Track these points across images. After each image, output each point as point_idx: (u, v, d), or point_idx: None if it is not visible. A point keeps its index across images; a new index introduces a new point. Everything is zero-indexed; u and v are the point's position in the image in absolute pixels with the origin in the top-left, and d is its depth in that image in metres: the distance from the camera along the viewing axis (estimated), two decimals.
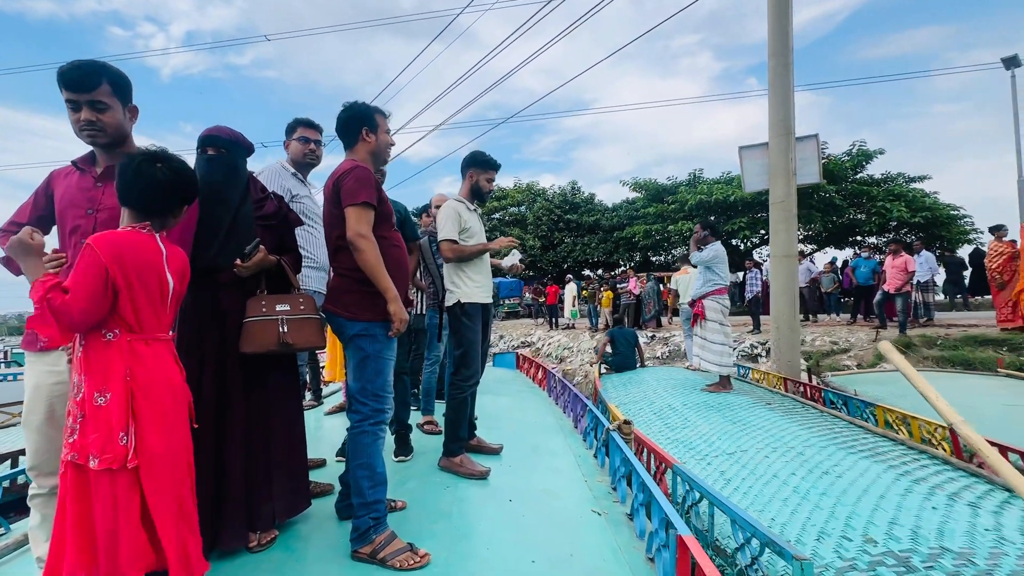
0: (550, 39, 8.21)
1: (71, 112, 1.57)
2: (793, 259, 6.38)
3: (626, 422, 2.86)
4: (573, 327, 15.17)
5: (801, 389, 4.68)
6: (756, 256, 19.89)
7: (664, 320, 12.97)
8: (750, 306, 11.04)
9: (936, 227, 16.49)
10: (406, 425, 2.89)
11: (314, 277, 2.50)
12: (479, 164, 2.79)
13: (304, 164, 2.60)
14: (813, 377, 6.41)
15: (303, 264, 2.20)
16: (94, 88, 1.55)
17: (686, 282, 7.80)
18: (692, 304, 4.88)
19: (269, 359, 1.82)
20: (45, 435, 1.57)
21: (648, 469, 2.65)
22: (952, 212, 16.92)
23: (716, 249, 4.70)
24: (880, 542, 1.90)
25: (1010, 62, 15.53)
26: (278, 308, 1.77)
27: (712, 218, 18.33)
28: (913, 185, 18.07)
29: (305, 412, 2.80)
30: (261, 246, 1.78)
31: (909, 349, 7.98)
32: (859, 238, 19.22)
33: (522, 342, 15.50)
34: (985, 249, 9.71)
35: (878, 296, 8.99)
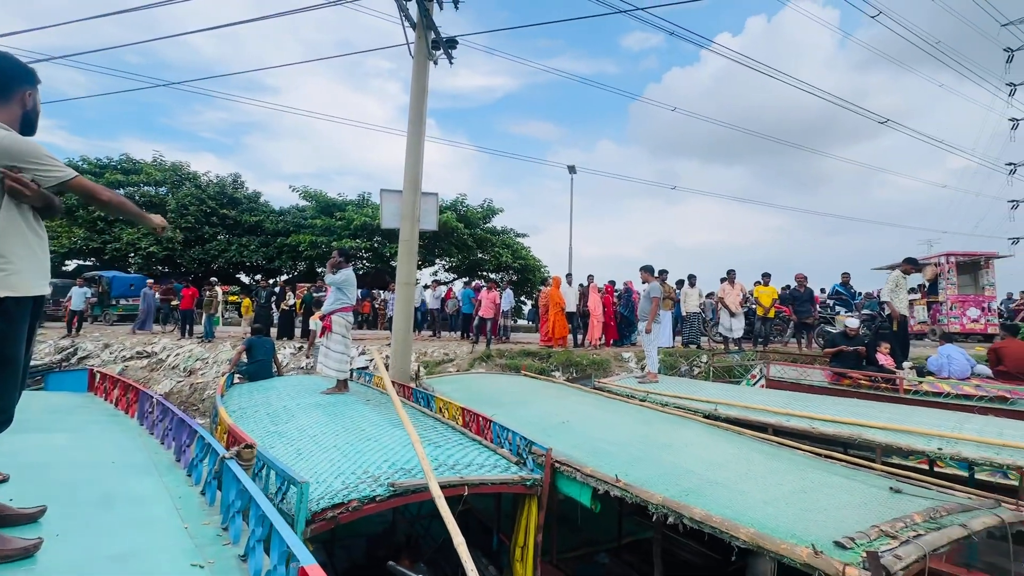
0: None
1: None
2: (411, 286, 8.08)
3: (247, 447, 2.59)
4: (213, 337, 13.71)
5: (402, 389, 6.09)
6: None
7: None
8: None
9: (528, 271, 22.95)
10: None
11: None
12: None
13: None
14: (416, 381, 8.18)
15: None
16: None
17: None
18: (322, 318, 5.66)
19: None
20: None
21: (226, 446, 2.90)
22: (536, 263, 23.91)
23: (347, 274, 5.64)
24: (383, 472, 3.03)
25: (571, 168, 23.37)
26: None
27: (352, 245, 19.94)
28: (519, 239, 24.68)
29: None
30: None
31: (488, 359, 11.10)
32: (483, 272, 24.73)
33: (138, 352, 12.94)
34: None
35: (477, 320, 12.11)
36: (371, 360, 11.40)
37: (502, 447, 3.66)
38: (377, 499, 2.62)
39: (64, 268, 22.26)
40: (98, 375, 5.45)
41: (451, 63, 9.02)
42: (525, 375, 8.42)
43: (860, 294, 12.14)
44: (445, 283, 23.03)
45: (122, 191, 22.33)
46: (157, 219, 2.24)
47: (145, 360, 12.80)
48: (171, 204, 21.77)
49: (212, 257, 22.22)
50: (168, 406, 3.49)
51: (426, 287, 15.56)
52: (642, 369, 8.30)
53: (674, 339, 11.61)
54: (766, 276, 11.00)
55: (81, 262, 22.61)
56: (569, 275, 12.57)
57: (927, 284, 13.65)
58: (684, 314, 11.19)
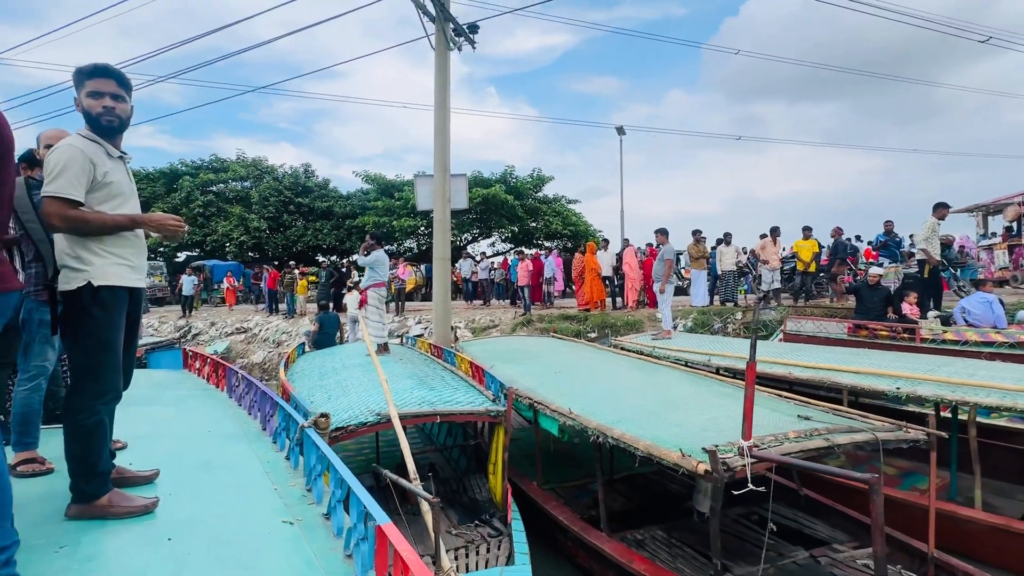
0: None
1: None
2: (447, 261, 8.99)
3: (323, 415, 2.80)
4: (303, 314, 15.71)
5: (432, 349, 7.09)
6: (470, 250, 24.09)
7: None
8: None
9: (578, 238, 23.25)
10: None
11: None
12: (76, 77, 2.01)
13: None
14: (454, 343, 9.21)
15: None
16: None
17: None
18: (361, 293, 6.74)
19: None
20: None
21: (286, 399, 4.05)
22: (588, 228, 24.07)
23: (378, 255, 6.63)
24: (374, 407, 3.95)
25: (620, 130, 23.00)
26: None
27: (411, 223, 21.30)
28: (570, 205, 24.92)
29: None
30: None
31: (528, 324, 11.93)
32: (538, 241, 25.34)
33: (237, 328, 15.20)
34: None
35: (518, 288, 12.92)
36: (426, 327, 12.66)
37: (488, 390, 4.48)
38: (368, 423, 3.54)
39: (176, 260, 25.82)
40: (191, 353, 6.11)
41: (473, 48, 9.57)
42: (553, 336, 9.15)
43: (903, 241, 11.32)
44: (500, 254, 23.99)
45: (214, 188, 25.31)
46: (162, 219, 2.12)
47: (243, 335, 15.05)
48: (255, 196, 24.38)
49: (292, 242, 24.71)
50: (252, 380, 3.85)
51: (474, 259, 16.52)
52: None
53: (712, 298, 11.71)
54: (807, 230, 10.73)
55: (189, 253, 26.08)
56: (606, 240, 12.94)
57: (1011, 226, 12.45)
58: (720, 272, 11.24)
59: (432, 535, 2.47)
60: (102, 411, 2.01)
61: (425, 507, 2.91)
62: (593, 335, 10.79)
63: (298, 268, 16.41)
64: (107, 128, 2.03)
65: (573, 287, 13.76)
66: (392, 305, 14.01)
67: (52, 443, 2.46)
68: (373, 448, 5.63)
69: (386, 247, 26.73)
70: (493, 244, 26.82)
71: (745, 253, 12.34)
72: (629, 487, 5.21)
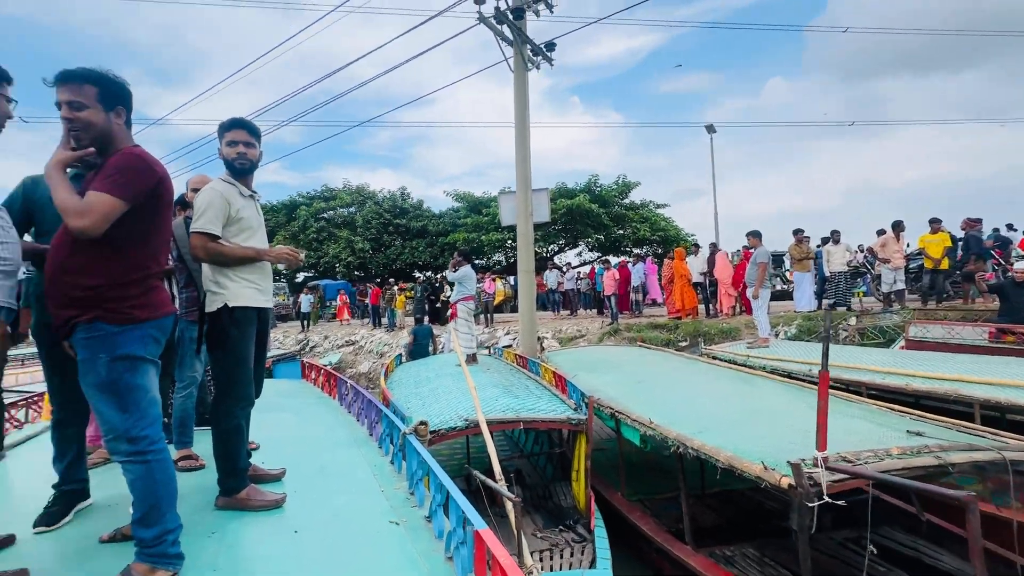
0: (394, 33, 9.86)
1: None
2: (531, 273, 9.24)
3: (422, 423, 3.04)
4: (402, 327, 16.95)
5: (517, 359, 7.34)
6: (556, 260, 24.33)
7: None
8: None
9: (668, 243, 22.43)
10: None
11: (6, 287, 2.01)
12: (219, 130, 2.39)
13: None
14: (540, 353, 9.38)
15: None
16: None
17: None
18: (448, 307, 7.19)
19: None
20: None
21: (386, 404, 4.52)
22: (678, 232, 23.14)
23: (465, 271, 7.05)
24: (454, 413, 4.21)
25: (709, 128, 21.98)
26: None
27: (498, 238, 21.89)
28: (658, 210, 24.17)
29: None
30: None
31: (616, 333, 11.77)
32: (627, 248, 24.84)
33: (346, 341, 16.72)
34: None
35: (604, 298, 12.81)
36: (514, 338, 13.02)
37: (571, 399, 4.59)
38: (457, 428, 3.82)
39: (296, 280, 29.03)
40: (307, 365, 6.73)
41: (551, 65, 9.84)
42: (640, 346, 8.99)
43: None
44: (587, 263, 23.88)
45: (325, 215, 28.16)
46: (281, 251, 2.45)
47: (351, 347, 16.54)
48: (359, 220, 26.74)
49: (392, 260, 26.68)
50: (359, 390, 4.18)
51: (561, 269, 16.64)
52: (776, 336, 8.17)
53: (819, 301, 10.73)
54: (934, 222, 9.44)
55: (306, 274, 29.18)
56: (696, 245, 12.41)
57: None
58: (828, 274, 10.27)
59: (515, 533, 2.64)
60: (240, 416, 2.30)
61: (509, 506, 3.10)
62: (684, 344, 10.39)
63: (396, 285, 17.72)
64: (240, 170, 2.38)
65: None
66: (481, 317, 14.59)
67: (201, 443, 2.91)
68: (465, 452, 5.97)
69: (476, 261, 27.94)
70: (580, 254, 26.82)
71: (860, 251, 11.16)
72: (722, 502, 5.00)
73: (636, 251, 24.50)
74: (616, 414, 4.27)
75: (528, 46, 9.09)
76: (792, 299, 11.08)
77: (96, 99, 1.71)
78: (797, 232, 10.22)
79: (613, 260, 17.44)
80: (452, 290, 7.12)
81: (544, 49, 9.58)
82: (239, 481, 2.32)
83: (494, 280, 16.39)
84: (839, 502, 2.33)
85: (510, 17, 8.54)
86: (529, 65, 9.25)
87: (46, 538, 2.10)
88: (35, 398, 5.81)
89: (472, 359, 7.11)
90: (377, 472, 2.80)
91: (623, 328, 11.89)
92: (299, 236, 26.91)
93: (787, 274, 12.47)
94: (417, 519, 2.19)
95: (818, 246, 11.05)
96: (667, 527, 4.11)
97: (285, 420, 4.25)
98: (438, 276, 23.20)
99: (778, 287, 14.02)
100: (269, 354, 11.60)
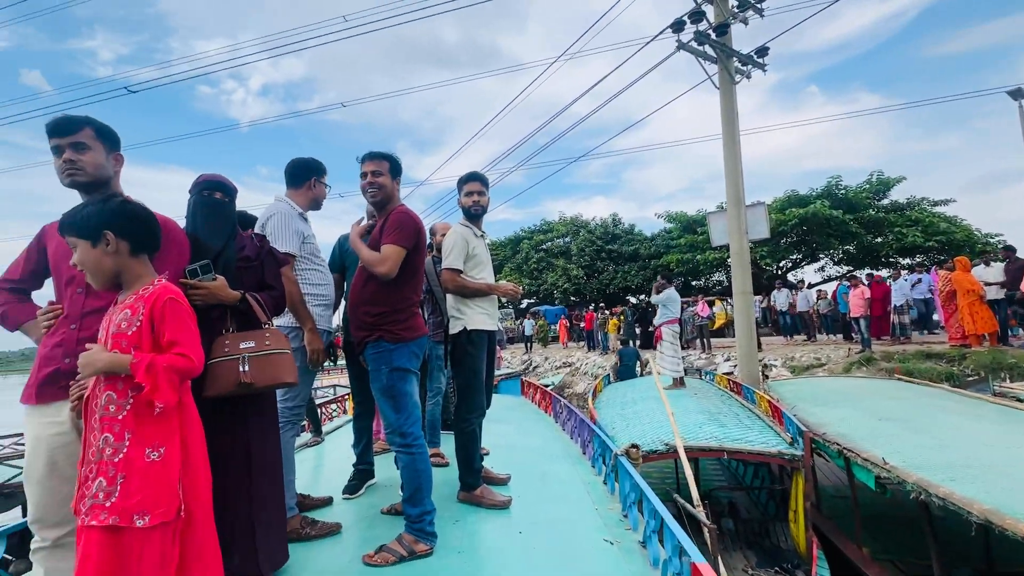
0: (602, 68, 10.81)
1: (56, 160, 1.61)
2: (749, 295, 8.54)
3: (633, 446, 3.24)
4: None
5: (731, 385, 6.93)
6: (791, 278, 21.41)
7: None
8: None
9: (954, 250, 17.42)
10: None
11: (324, 315, 2.48)
12: (458, 184, 2.83)
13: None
14: (763, 381, 8.51)
15: (314, 302, 2.36)
16: (76, 131, 1.59)
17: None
18: (654, 330, 7.29)
19: (245, 400, 1.78)
20: (47, 487, 1.53)
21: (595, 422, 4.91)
22: (972, 234, 17.78)
23: (668, 293, 7.09)
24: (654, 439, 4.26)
25: (1015, 94, 16.65)
26: (242, 346, 1.72)
27: (715, 256, 20.05)
28: (938, 208, 19.08)
29: (309, 448, 3.71)
30: (219, 276, 1.74)
31: (868, 363, 9.77)
32: (891, 259, 20.20)
33: (564, 362, 17.90)
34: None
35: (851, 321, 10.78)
36: (735, 366, 12.03)
37: (787, 431, 4.26)
38: (657, 452, 3.97)
39: (520, 307, 32.32)
40: (526, 383, 7.28)
41: (764, 71, 9.17)
42: (899, 379, 7.39)
43: None
44: (832, 279, 20.32)
45: (544, 246, 30.78)
46: (504, 287, 2.84)
47: (568, 368, 17.63)
48: (573, 249, 28.44)
49: (605, 285, 27.43)
50: (572, 409, 4.39)
51: (793, 288, 14.65)
52: None
53: None
54: None
55: (529, 300, 32.22)
56: (1007, 248, 9.50)
57: None
58: None
59: (712, 558, 2.71)
60: (475, 423, 2.61)
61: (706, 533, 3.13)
62: (972, 379, 8.06)
63: (609, 309, 18.23)
64: (474, 215, 2.77)
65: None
66: (697, 342, 13.90)
67: (445, 445, 3.43)
68: (675, 477, 5.94)
69: (693, 283, 26.56)
70: (822, 268, 22.99)
71: None
72: None
73: (905, 261, 19.82)
74: (844, 452, 3.80)
75: (735, 59, 8.70)
76: None
77: (388, 170, 2.28)
78: None
79: (862, 275, 14.49)
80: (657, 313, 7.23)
81: (755, 56, 9.01)
82: (475, 479, 2.63)
83: (710, 303, 15.42)
84: None
85: (712, 36, 8.36)
86: (737, 77, 8.82)
87: (349, 504, 2.71)
88: (343, 397, 7.41)
89: (679, 383, 7.03)
90: (590, 489, 2.88)
91: (879, 357, 9.84)
92: (522, 267, 30.03)
93: None
94: (631, 542, 2.19)
95: None
96: None
97: (508, 431, 4.60)
98: (638, 300, 22.92)
99: None
100: (497, 372, 13.30)
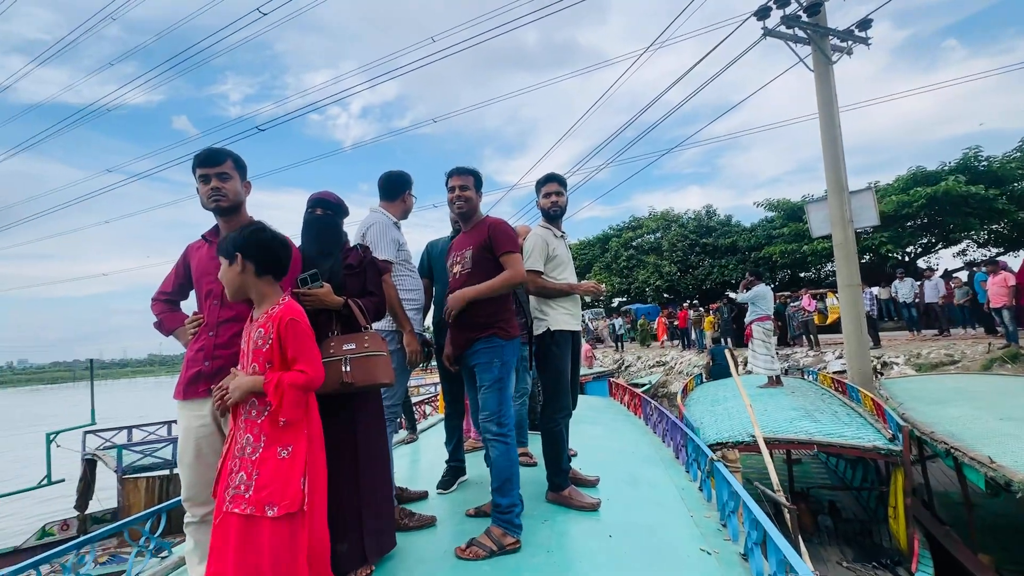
0: (688, 54, 10.69)
1: (202, 186, 1.86)
2: (856, 288, 7.97)
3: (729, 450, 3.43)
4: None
5: (834, 384, 6.62)
6: (921, 264, 19.03)
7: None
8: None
9: None
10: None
11: (416, 319, 2.56)
12: (536, 186, 2.84)
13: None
14: (876, 379, 7.89)
15: (408, 306, 2.45)
16: (222, 162, 1.85)
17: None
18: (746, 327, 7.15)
19: (353, 398, 1.90)
20: (195, 470, 1.79)
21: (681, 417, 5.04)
22: None
23: (758, 290, 6.91)
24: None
25: None
26: (344, 348, 1.84)
27: (825, 246, 18.16)
28: None
29: (406, 445, 3.80)
30: (326, 284, 1.89)
31: (1014, 360, 8.58)
32: None
33: (657, 361, 17.61)
34: None
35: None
36: (845, 363, 11.13)
37: (889, 429, 4.13)
38: (741, 443, 4.07)
39: (611, 305, 32.00)
40: (613, 384, 7.22)
41: (868, 46, 8.51)
42: None
43: None
44: (975, 264, 17.69)
45: (634, 243, 30.18)
46: (586, 286, 2.81)
47: (662, 367, 17.30)
48: (665, 245, 27.61)
49: (700, 280, 26.26)
50: (663, 411, 4.15)
51: (917, 275, 13.11)
52: None
53: None
54: None
55: (619, 299, 31.78)
56: None
57: None
58: None
59: (792, 536, 2.86)
60: (561, 423, 2.58)
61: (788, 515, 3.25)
62: None
63: (704, 306, 17.58)
64: (553, 216, 2.78)
65: None
66: (804, 339, 13.03)
67: (532, 445, 3.39)
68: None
69: (801, 275, 24.46)
70: (963, 252, 20.05)
71: None
72: None
73: None
74: (952, 451, 3.64)
75: (831, 37, 8.19)
76: None
77: (473, 184, 2.42)
78: None
79: (1005, 260, 12.57)
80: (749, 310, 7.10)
81: (856, 31, 8.39)
82: (563, 479, 2.60)
83: (820, 296, 14.28)
84: None
85: (803, 17, 7.96)
86: (835, 56, 8.27)
87: (442, 498, 2.81)
88: (434, 397, 7.92)
89: (775, 381, 6.84)
90: (685, 495, 2.75)
91: None
92: (612, 266, 29.73)
93: None
94: (730, 553, 2.06)
95: None
96: None
97: (596, 433, 4.51)
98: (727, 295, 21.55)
99: None
100: (588, 371, 13.43)
